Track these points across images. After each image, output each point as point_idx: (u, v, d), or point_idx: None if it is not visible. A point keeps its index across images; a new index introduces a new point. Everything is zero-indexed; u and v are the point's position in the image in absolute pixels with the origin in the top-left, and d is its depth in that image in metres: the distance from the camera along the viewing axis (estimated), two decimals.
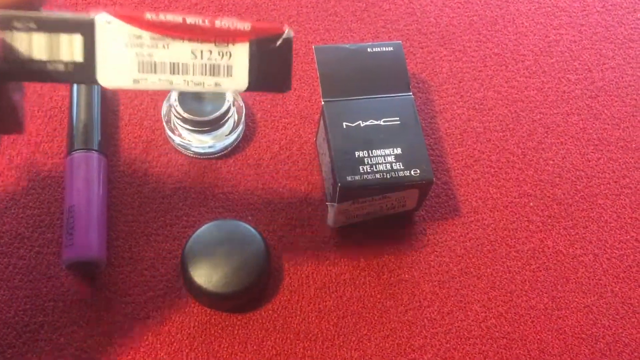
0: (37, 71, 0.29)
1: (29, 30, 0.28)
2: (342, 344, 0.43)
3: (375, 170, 0.42)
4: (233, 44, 0.30)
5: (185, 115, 0.45)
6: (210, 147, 0.47)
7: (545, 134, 0.51)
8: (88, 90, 0.48)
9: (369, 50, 0.46)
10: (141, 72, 0.30)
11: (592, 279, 0.46)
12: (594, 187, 0.50)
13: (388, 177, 0.42)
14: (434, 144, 0.50)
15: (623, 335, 0.45)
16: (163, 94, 0.50)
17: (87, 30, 0.29)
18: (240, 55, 0.30)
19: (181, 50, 0.29)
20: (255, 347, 0.43)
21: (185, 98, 0.46)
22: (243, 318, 0.43)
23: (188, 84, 0.30)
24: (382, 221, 0.46)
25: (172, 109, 0.46)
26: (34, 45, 0.29)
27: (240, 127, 0.48)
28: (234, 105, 0.47)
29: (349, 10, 0.56)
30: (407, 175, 0.42)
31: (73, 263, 0.42)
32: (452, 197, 0.48)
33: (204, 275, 0.42)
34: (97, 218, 0.43)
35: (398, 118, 0.44)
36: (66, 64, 0.29)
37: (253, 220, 0.46)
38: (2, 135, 0.34)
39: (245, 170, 0.48)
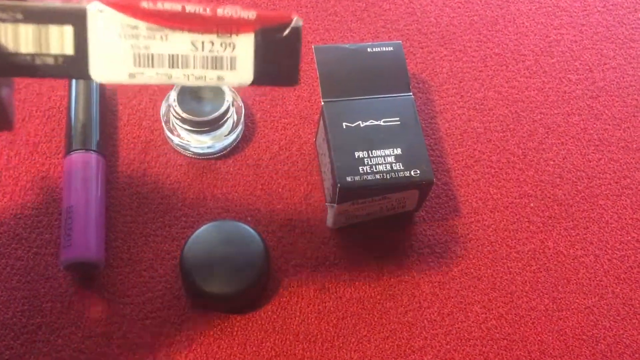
0: (25, 65, 0.27)
1: (15, 21, 0.27)
2: (341, 345, 0.43)
3: (375, 170, 0.41)
4: (237, 35, 0.28)
5: (184, 115, 0.45)
6: (209, 147, 0.47)
7: (546, 135, 0.51)
8: (87, 90, 0.48)
9: (368, 50, 0.46)
10: (137, 66, 0.28)
11: (593, 280, 0.46)
12: (595, 188, 0.49)
13: (388, 177, 0.41)
14: (434, 144, 0.50)
15: (624, 336, 0.44)
16: (162, 94, 0.50)
17: (78, 21, 0.27)
18: (244, 46, 0.28)
19: (180, 42, 0.27)
20: (254, 349, 0.43)
21: (184, 98, 0.46)
22: (242, 319, 0.43)
23: (188, 78, 0.28)
24: (382, 222, 0.46)
25: (171, 109, 0.46)
26: (20, 37, 0.27)
27: (240, 127, 0.48)
28: (233, 106, 0.47)
29: (349, 10, 0.55)
30: (407, 176, 0.42)
31: (71, 264, 0.42)
32: (452, 198, 0.48)
33: (203, 276, 0.42)
34: (96, 219, 0.43)
35: (398, 118, 0.43)
36: (56, 57, 0.27)
37: (252, 221, 0.46)
38: None
39: (244, 171, 0.48)
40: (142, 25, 0.27)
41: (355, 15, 0.55)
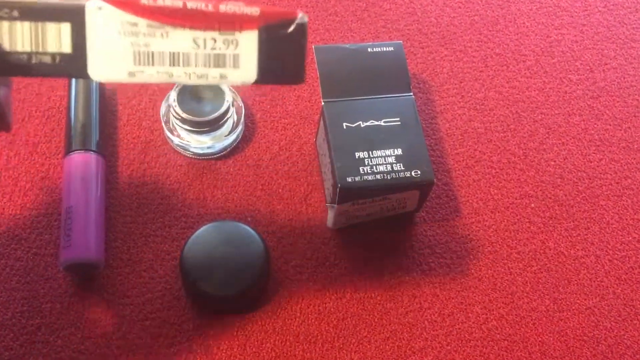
0: (21, 64, 0.26)
1: (11, 18, 0.26)
2: (342, 346, 0.43)
3: (375, 171, 0.41)
4: (240, 31, 0.27)
5: (184, 115, 0.45)
6: (209, 147, 0.47)
7: (547, 135, 0.51)
8: (86, 90, 0.48)
9: (369, 50, 0.46)
10: (137, 64, 0.27)
11: (594, 281, 0.46)
12: (596, 188, 0.49)
13: (388, 178, 0.41)
14: (435, 144, 0.50)
15: (625, 337, 0.44)
16: (162, 94, 0.49)
17: (76, 18, 0.26)
18: (248, 43, 0.27)
19: (182, 39, 0.27)
20: (254, 349, 0.42)
21: (184, 98, 0.46)
22: (242, 320, 0.43)
23: (190, 77, 0.27)
24: (382, 222, 0.46)
25: (171, 109, 0.46)
26: (17, 35, 0.26)
27: (240, 127, 0.48)
28: (233, 106, 0.47)
29: (349, 10, 0.55)
30: (408, 176, 0.41)
31: (71, 264, 0.42)
32: (452, 198, 0.48)
33: (203, 277, 0.41)
34: (95, 219, 0.43)
35: (398, 118, 0.43)
36: (53, 55, 0.26)
37: (252, 221, 0.46)
38: None
39: (244, 171, 0.48)
40: (142, 22, 0.26)
41: (356, 15, 0.55)
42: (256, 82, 0.28)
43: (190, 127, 0.46)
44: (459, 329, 0.44)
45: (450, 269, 0.46)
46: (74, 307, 0.43)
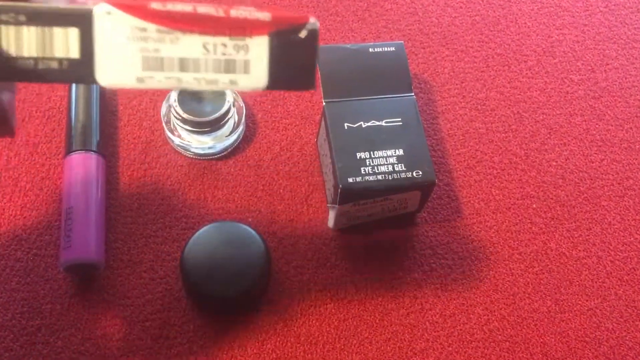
0: (28, 70, 0.26)
1: (18, 23, 0.25)
2: (343, 347, 0.43)
3: (377, 171, 0.41)
4: (251, 37, 0.26)
5: (185, 115, 0.45)
6: (210, 148, 0.47)
7: (548, 135, 0.51)
8: (87, 91, 0.47)
9: (370, 50, 0.45)
10: (146, 70, 0.26)
11: (596, 282, 0.46)
12: (598, 189, 0.49)
13: (390, 178, 0.41)
14: (436, 145, 0.50)
15: (627, 338, 0.44)
16: (163, 94, 0.49)
17: (84, 23, 0.26)
18: (258, 49, 0.26)
19: (192, 44, 0.26)
20: (255, 350, 0.42)
21: (185, 98, 0.46)
22: (243, 321, 0.43)
23: (199, 82, 0.27)
24: (383, 223, 0.46)
25: (172, 110, 0.46)
26: (23, 40, 0.25)
27: (241, 127, 0.48)
28: (234, 106, 0.47)
29: (350, 10, 0.55)
30: (409, 177, 0.41)
31: (71, 265, 0.42)
32: (454, 199, 0.48)
33: (204, 278, 0.41)
34: (96, 220, 0.43)
35: (400, 119, 0.43)
36: (60, 61, 0.26)
37: (253, 222, 0.46)
38: None
39: (245, 172, 0.48)
40: (151, 27, 0.26)
41: (357, 15, 0.55)
42: (266, 88, 0.27)
43: (191, 127, 0.45)
44: (461, 330, 0.44)
45: (452, 270, 0.46)
46: (74, 308, 0.42)
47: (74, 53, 0.26)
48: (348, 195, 0.41)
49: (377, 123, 0.43)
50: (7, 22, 0.25)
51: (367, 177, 0.41)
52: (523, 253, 0.46)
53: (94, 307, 0.43)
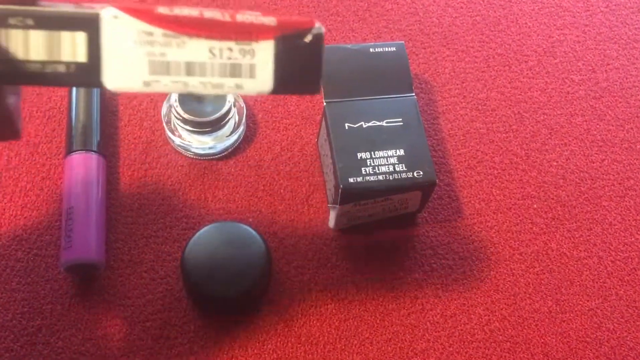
0: (35, 73, 0.26)
1: (26, 27, 0.25)
2: (344, 347, 0.43)
3: (377, 172, 0.41)
4: (256, 41, 0.26)
5: (186, 116, 0.45)
6: (210, 148, 0.47)
7: (549, 135, 0.51)
8: (87, 91, 0.47)
9: (371, 50, 0.45)
10: (152, 74, 0.26)
11: (597, 282, 0.46)
12: (598, 189, 0.49)
13: (391, 178, 0.41)
14: (437, 145, 0.50)
15: (628, 338, 0.44)
16: (163, 94, 0.49)
17: (91, 27, 0.26)
18: (264, 53, 0.27)
19: (198, 49, 0.26)
20: (256, 351, 0.42)
21: (186, 99, 0.45)
22: (244, 321, 0.43)
23: (205, 86, 0.27)
24: (384, 223, 0.46)
25: (172, 110, 0.45)
26: (31, 44, 0.26)
27: (241, 128, 0.48)
28: (234, 106, 0.47)
29: (351, 10, 0.55)
30: (410, 177, 0.41)
31: (72, 265, 0.42)
32: (455, 199, 0.48)
33: (204, 278, 0.41)
34: (96, 220, 0.43)
35: (400, 119, 0.43)
36: (68, 65, 0.26)
37: (254, 222, 0.46)
38: None
39: (246, 172, 0.48)
40: (157, 31, 0.26)
41: (357, 16, 0.55)
42: (272, 92, 0.27)
43: (192, 127, 0.45)
44: (461, 330, 0.44)
45: (453, 270, 0.45)
46: (75, 308, 0.42)
47: (81, 57, 0.26)
48: (349, 196, 0.41)
49: (378, 123, 0.43)
50: (15, 26, 0.25)
51: (367, 178, 0.41)
52: (524, 253, 0.46)
53: (94, 307, 0.43)
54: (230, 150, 0.48)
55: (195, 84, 0.27)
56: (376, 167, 0.41)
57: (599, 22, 0.57)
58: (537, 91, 0.53)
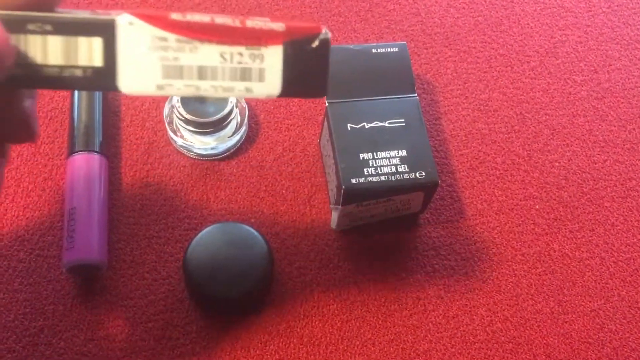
0: (53, 77, 0.27)
1: (44, 32, 0.26)
2: (346, 348, 0.43)
3: (380, 172, 0.41)
4: (266, 46, 0.27)
5: (188, 116, 0.45)
6: (212, 148, 0.47)
7: (551, 136, 0.51)
8: (89, 91, 0.47)
9: (373, 51, 0.45)
10: (166, 78, 0.27)
11: (599, 283, 0.46)
12: (601, 190, 0.49)
13: (393, 179, 0.41)
14: (439, 145, 0.50)
15: (630, 339, 0.44)
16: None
17: (107, 33, 0.27)
18: (273, 58, 0.27)
19: (209, 53, 0.27)
20: (258, 352, 0.42)
21: (188, 99, 0.45)
22: (246, 322, 0.43)
23: (216, 90, 0.28)
24: (386, 224, 0.46)
25: (175, 110, 0.45)
26: (49, 49, 0.26)
27: (243, 128, 0.48)
28: (237, 107, 0.47)
29: (353, 11, 0.55)
30: (412, 178, 0.41)
31: (74, 266, 0.42)
32: (457, 200, 0.48)
33: (207, 279, 0.41)
34: (98, 220, 0.43)
35: (403, 119, 0.43)
36: (84, 69, 0.27)
37: (256, 222, 0.46)
38: (13, 144, 0.32)
39: (248, 172, 0.48)
40: (171, 37, 0.27)
41: (360, 16, 0.55)
42: (280, 95, 0.28)
43: (194, 128, 0.45)
44: (464, 331, 0.44)
45: (455, 271, 0.45)
46: (77, 308, 0.42)
47: (98, 62, 0.27)
48: (351, 196, 0.41)
49: (380, 124, 0.43)
50: (34, 32, 0.26)
51: (370, 178, 0.41)
52: (526, 254, 0.46)
53: (96, 308, 0.43)
54: (232, 150, 0.48)
55: (207, 88, 0.28)
56: (378, 168, 0.41)
57: (601, 23, 0.57)
58: (539, 92, 0.53)
